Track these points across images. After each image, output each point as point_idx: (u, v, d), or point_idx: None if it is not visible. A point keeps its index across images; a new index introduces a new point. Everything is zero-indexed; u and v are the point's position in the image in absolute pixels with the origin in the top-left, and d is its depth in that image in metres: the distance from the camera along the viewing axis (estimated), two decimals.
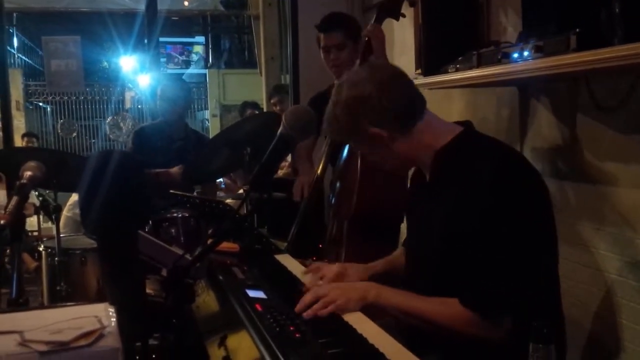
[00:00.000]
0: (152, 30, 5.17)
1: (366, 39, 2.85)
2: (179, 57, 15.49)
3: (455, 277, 1.56)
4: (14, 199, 2.04)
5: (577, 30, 1.73)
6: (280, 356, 1.24)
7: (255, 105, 6.81)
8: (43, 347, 1.08)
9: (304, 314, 1.53)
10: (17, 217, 2.00)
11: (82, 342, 1.10)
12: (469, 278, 1.52)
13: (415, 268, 1.80)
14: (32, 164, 2.28)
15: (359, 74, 1.68)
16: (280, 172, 4.52)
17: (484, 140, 1.70)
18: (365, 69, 1.72)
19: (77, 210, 5.69)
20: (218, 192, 5.52)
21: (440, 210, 1.62)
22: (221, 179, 5.67)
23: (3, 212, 2.09)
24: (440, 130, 1.68)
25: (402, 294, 1.64)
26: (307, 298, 1.59)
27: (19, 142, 7.79)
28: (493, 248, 1.49)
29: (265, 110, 6.58)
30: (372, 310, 1.59)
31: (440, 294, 1.58)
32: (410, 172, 1.94)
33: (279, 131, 1.59)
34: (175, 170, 3.59)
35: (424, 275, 1.72)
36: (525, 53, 1.94)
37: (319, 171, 3.05)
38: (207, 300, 1.88)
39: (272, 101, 5.57)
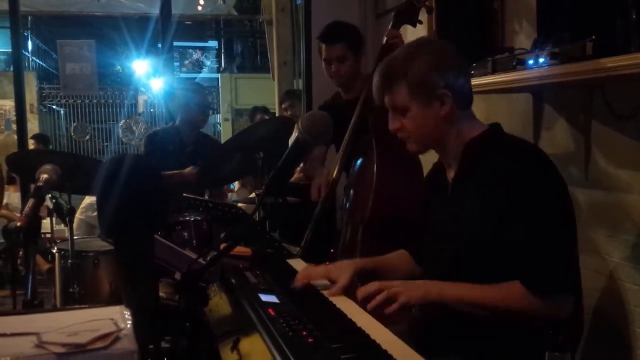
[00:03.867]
0: (166, 34, 5.20)
1: (387, 42, 2.84)
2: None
3: (488, 265, 1.61)
4: (30, 201, 2.06)
5: (593, 37, 1.73)
6: None
7: (265, 110, 6.84)
8: (60, 349, 1.09)
9: (368, 305, 1.58)
10: (33, 219, 2.01)
11: (99, 345, 1.11)
12: (521, 261, 1.57)
13: (441, 264, 1.81)
14: (47, 167, 2.29)
15: (451, 44, 1.79)
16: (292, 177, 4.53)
17: (511, 137, 1.78)
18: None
19: (90, 213, 5.73)
20: (230, 194, 5.55)
21: (470, 202, 1.66)
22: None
23: (18, 214, 2.11)
24: (475, 124, 1.76)
25: (463, 286, 1.65)
26: (372, 287, 1.63)
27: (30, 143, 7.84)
28: (540, 230, 1.56)
29: (276, 114, 6.60)
30: (386, 316, 1.59)
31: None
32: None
33: (296, 136, 1.60)
34: (188, 171, 3.60)
35: (451, 269, 1.74)
36: (541, 60, 1.94)
37: (333, 175, 3.05)
38: (219, 303, 1.88)
39: (283, 106, 5.59)
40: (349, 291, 1.84)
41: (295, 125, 1.65)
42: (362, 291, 1.63)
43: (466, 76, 1.74)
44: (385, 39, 2.87)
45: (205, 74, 16.06)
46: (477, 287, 1.63)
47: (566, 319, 1.58)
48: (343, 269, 1.89)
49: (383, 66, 1.77)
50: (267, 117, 6.30)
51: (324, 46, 3.15)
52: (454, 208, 1.74)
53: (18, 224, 2.01)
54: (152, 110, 14.00)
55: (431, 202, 1.90)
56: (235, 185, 5.90)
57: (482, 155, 1.68)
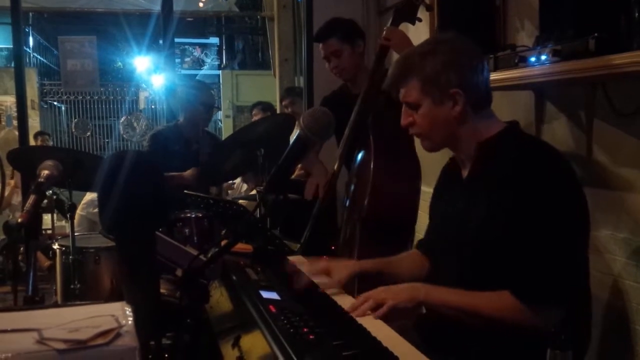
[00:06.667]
0: (167, 30, 5.19)
1: (380, 44, 2.84)
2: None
3: (494, 267, 1.59)
4: (32, 197, 2.06)
5: (596, 34, 1.73)
6: (294, 357, 1.24)
7: (269, 106, 6.82)
8: (61, 346, 1.08)
9: (355, 313, 1.58)
10: (34, 215, 2.01)
11: (100, 341, 1.10)
12: (516, 269, 1.55)
13: (447, 262, 1.81)
14: (49, 162, 2.29)
15: (469, 42, 1.74)
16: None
17: (526, 137, 1.77)
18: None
19: (92, 209, 5.74)
20: (231, 192, 5.54)
21: (480, 202, 1.65)
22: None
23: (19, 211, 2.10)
24: (492, 122, 1.74)
25: (449, 291, 1.65)
26: (357, 301, 1.63)
27: (32, 141, 7.83)
28: (541, 239, 1.53)
29: (277, 111, 6.59)
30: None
31: (473, 286, 1.60)
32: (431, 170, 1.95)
33: (297, 133, 1.59)
34: (189, 173, 3.60)
35: (458, 268, 1.73)
36: (543, 57, 1.94)
37: (335, 169, 3.04)
38: (220, 300, 1.88)
39: (283, 103, 5.57)
40: (348, 290, 1.84)
41: (297, 122, 1.65)
42: (352, 306, 1.63)
43: (483, 75, 1.70)
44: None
45: (206, 70, 16.05)
46: (466, 293, 1.62)
47: (575, 320, 1.58)
48: (343, 267, 1.91)
49: (399, 59, 1.77)
50: (264, 112, 6.27)
51: (320, 46, 3.18)
52: (465, 207, 1.73)
53: (19, 220, 2.01)
54: (153, 106, 13.96)
55: (443, 194, 1.90)
56: (236, 182, 5.88)
57: (494, 157, 1.66)
